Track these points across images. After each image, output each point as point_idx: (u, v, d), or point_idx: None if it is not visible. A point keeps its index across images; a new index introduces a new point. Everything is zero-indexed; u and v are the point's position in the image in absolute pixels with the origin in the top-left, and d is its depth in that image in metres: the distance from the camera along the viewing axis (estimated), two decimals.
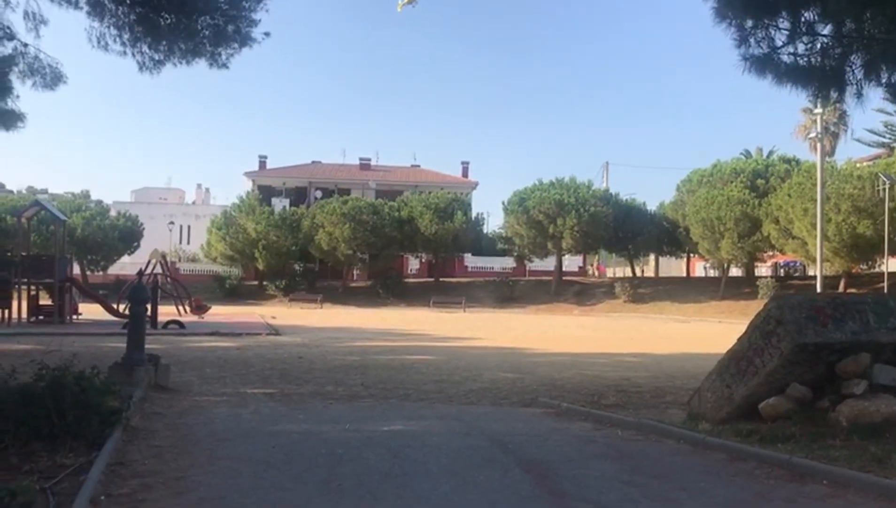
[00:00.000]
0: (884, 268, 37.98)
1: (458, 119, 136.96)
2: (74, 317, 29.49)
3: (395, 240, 53.68)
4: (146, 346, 12.04)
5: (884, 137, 51.11)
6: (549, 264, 55.91)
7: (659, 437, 8.51)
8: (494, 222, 74.21)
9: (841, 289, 38.64)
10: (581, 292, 52.49)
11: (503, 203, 54.55)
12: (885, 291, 33.09)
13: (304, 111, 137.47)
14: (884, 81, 9.78)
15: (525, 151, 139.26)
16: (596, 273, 64.67)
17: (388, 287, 53.31)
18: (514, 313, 46.02)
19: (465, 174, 71.26)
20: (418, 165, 73.73)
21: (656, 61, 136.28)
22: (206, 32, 11.55)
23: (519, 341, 24.54)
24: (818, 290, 35.08)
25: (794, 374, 8.18)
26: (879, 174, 36.28)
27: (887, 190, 34.88)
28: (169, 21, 11.34)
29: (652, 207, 55.44)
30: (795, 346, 7.89)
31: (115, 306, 29.42)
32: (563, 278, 54.87)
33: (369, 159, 72.07)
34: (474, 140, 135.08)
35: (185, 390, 11.92)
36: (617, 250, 58.71)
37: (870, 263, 41.48)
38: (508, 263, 60.15)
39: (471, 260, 62.19)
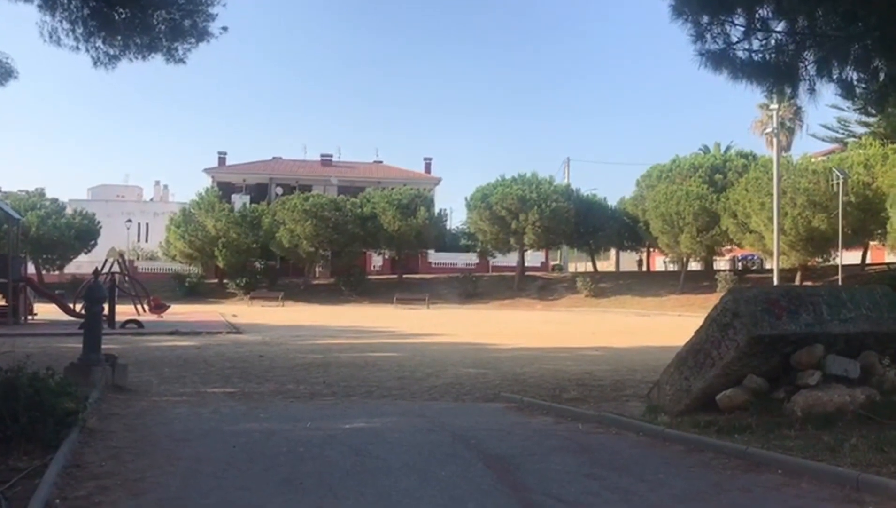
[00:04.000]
0: (838, 261, 38.79)
1: (420, 115, 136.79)
2: (29, 317, 28.92)
3: (357, 237, 53.46)
4: (103, 346, 11.85)
5: (837, 132, 52.18)
6: (511, 259, 56.19)
7: (619, 430, 8.60)
8: (457, 218, 74.40)
9: (797, 282, 39.40)
10: (543, 288, 52.83)
11: (466, 199, 54.78)
12: (840, 283, 33.79)
13: (264, 107, 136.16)
14: (835, 77, 9.97)
15: (487, 147, 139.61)
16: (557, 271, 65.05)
17: (351, 284, 53.11)
18: (478, 309, 46.17)
19: (427, 170, 71.18)
20: (381, 161, 73.42)
21: (615, 57, 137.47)
22: (162, 27, 11.38)
23: (482, 336, 24.60)
24: (775, 283, 35.72)
25: (751, 366, 8.32)
26: (833, 169, 37.05)
27: (841, 184, 35.63)
28: (124, 15, 11.15)
29: (612, 202, 56.05)
30: (751, 338, 8.03)
31: (71, 305, 28.94)
32: (526, 273, 55.18)
33: (331, 155, 71.62)
34: (437, 136, 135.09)
35: (143, 390, 11.75)
36: (578, 246, 59.19)
37: (825, 256, 42.35)
38: (472, 259, 60.34)
39: (434, 256, 62.20)
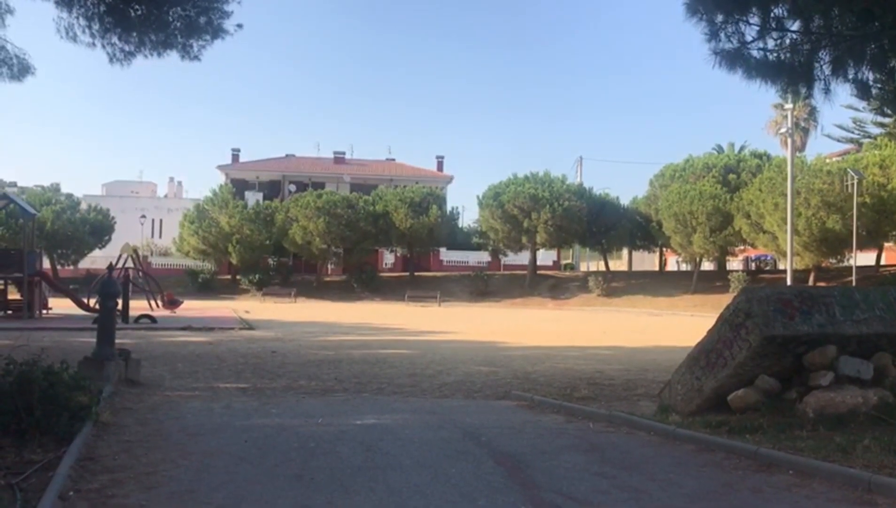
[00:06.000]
0: (852, 262, 38.53)
1: (433, 113, 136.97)
2: (44, 312, 29.14)
3: (369, 234, 53.54)
4: (117, 341, 11.94)
5: (852, 132, 51.78)
6: (523, 258, 56.08)
7: (630, 429, 8.59)
8: (469, 217, 74.50)
9: (811, 283, 39.14)
10: (555, 286, 52.72)
11: (478, 197, 54.66)
12: (853, 284, 33.56)
13: (278, 104, 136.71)
14: (850, 77, 9.90)
15: (500, 146, 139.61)
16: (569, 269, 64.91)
17: (363, 281, 53.18)
18: (489, 307, 46.14)
19: (440, 168, 71.22)
20: (393, 159, 73.57)
21: (630, 56, 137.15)
22: (178, 24, 11.44)
23: (493, 334, 24.60)
24: (788, 283, 35.51)
25: (763, 366, 8.29)
26: (848, 170, 36.77)
27: (856, 185, 35.37)
28: (139, 12, 11.21)
29: (625, 201, 55.84)
30: (763, 338, 8.00)
31: (85, 300, 29.12)
32: (538, 272, 55.07)
33: (344, 153, 71.83)
34: (449, 134, 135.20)
35: (156, 385, 11.84)
36: (591, 245, 59.02)
37: (839, 257, 42.06)
38: (483, 257, 60.30)
39: (446, 254, 62.19)
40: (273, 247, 54.79)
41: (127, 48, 11.48)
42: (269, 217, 54.29)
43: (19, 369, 7.16)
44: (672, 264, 62.59)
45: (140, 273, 38.03)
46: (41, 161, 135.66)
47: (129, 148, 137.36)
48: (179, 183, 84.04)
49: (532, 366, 15.27)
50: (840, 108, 53.35)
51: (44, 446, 6.61)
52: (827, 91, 10.06)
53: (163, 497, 5.68)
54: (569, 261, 68.07)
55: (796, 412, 7.96)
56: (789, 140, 39.25)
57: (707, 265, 52.65)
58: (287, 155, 72.52)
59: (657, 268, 60.21)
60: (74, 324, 23.53)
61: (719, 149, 58.45)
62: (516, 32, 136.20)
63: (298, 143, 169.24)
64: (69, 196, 57.70)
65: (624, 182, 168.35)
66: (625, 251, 63.40)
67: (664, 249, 55.77)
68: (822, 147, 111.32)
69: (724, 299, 12.55)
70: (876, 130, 49.20)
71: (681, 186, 46.79)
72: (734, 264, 54.76)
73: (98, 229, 55.81)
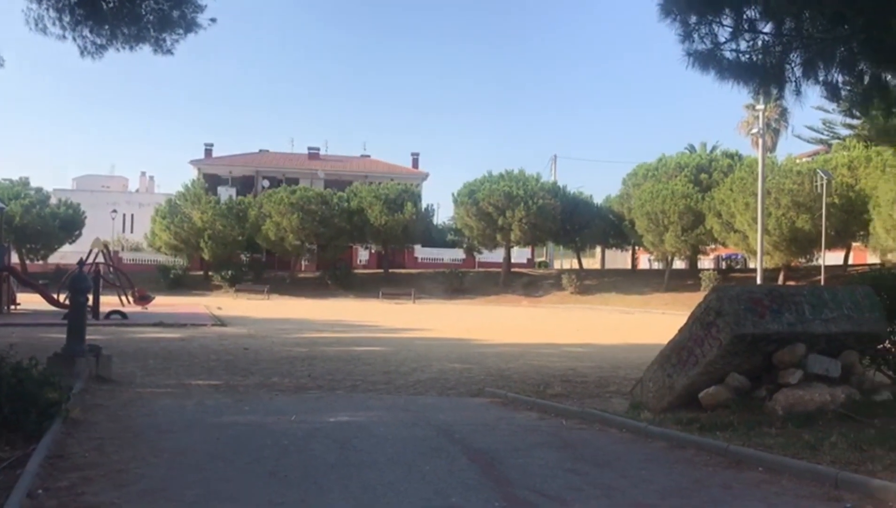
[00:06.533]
0: (821, 261, 39.08)
1: (407, 110, 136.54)
2: (12, 307, 28.72)
3: (344, 231, 53.36)
4: (87, 337, 11.81)
5: (822, 133, 52.51)
6: (497, 255, 56.20)
7: (602, 426, 8.66)
8: (444, 214, 74.51)
9: (780, 281, 39.64)
10: (529, 284, 52.91)
11: (453, 195, 54.66)
12: (822, 283, 34.01)
13: (252, 99, 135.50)
14: (821, 79, 10.03)
15: (475, 143, 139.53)
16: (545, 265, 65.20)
17: (337, 278, 52.98)
18: (464, 305, 46.19)
19: (415, 165, 71.08)
20: (368, 156, 73.32)
21: (603, 55, 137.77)
22: (151, 17, 11.30)
23: (467, 332, 24.64)
24: (758, 282, 35.93)
25: (733, 364, 8.40)
26: (818, 170, 37.30)
27: (825, 186, 35.87)
28: (111, 5, 11.06)
29: (598, 200, 56.13)
30: (734, 337, 8.11)
31: (55, 296, 28.74)
32: (512, 269, 55.22)
33: (318, 149, 71.30)
34: (425, 131, 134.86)
35: (127, 381, 11.73)
36: (564, 243, 59.29)
37: (808, 256, 42.66)
38: (458, 254, 60.34)
39: (420, 251, 62.14)
40: (246, 243, 54.41)
41: (98, 41, 11.32)
42: (242, 213, 53.89)
43: None
44: (644, 263, 63.06)
45: (111, 269, 37.57)
46: (10, 155, 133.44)
47: (101, 142, 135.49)
48: (151, 178, 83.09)
49: (506, 363, 15.32)
50: (810, 109, 54.15)
51: (12, 443, 6.53)
52: (798, 92, 10.19)
53: (134, 494, 5.63)
54: (543, 259, 68.35)
55: (766, 409, 8.07)
56: (760, 140, 39.74)
57: (679, 264, 53.12)
58: (261, 150, 71.96)
59: (630, 266, 60.64)
60: (44, 320, 23.21)
61: (691, 149, 58.92)
62: (490, 30, 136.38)
63: (272, 138, 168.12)
64: (39, 190, 56.77)
65: (597, 181, 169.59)
66: (598, 250, 63.78)
67: (637, 247, 56.16)
68: (793, 148, 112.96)
69: (696, 298, 12.67)
70: (845, 132, 49.90)
71: (653, 185, 47.16)
72: (705, 262, 55.30)
73: (68, 223, 55.02)
